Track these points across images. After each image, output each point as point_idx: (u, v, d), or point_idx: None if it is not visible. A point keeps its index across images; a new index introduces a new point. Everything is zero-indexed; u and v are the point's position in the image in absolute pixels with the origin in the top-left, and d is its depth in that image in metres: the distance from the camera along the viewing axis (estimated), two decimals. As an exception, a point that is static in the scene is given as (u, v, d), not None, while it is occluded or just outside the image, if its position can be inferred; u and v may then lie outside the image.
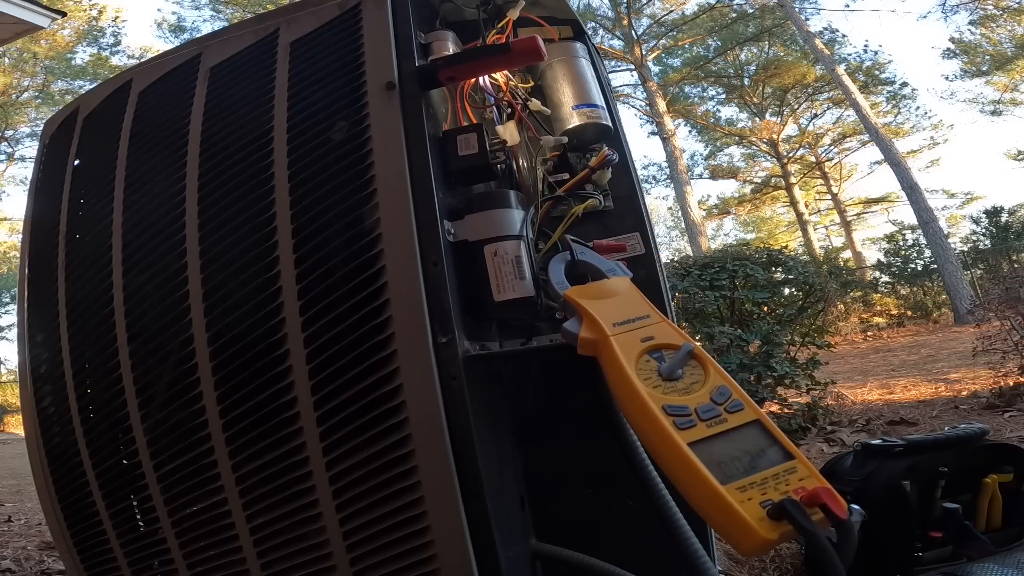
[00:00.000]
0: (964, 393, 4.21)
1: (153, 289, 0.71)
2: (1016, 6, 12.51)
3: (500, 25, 0.85)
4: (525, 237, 0.68)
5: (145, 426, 0.69)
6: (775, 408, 2.88)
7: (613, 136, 0.89)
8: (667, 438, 0.48)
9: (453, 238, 0.66)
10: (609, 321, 0.55)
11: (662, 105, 13.34)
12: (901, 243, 13.24)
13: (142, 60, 1.06)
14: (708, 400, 0.51)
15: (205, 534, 0.67)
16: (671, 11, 14.02)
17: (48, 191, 0.84)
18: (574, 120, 0.86)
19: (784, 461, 0.47)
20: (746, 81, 15.01)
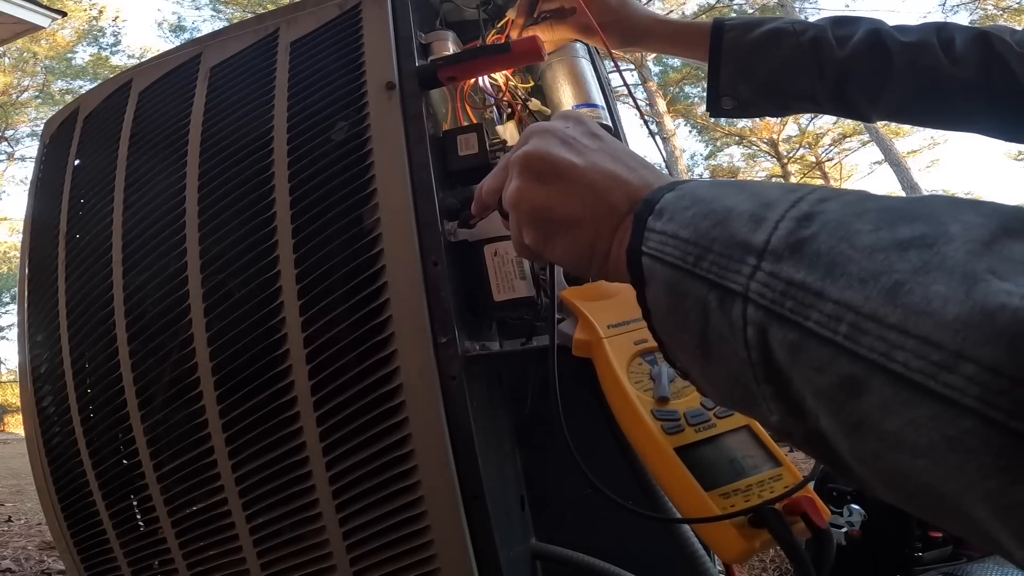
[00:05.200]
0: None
1: (153, 289, 0.71)
2: (1016, 6, 12.52)
3: (500, 25, 0.85)
4: (525, 237, 0.68)
5: (145, 426, 0.69)
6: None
7: (613, 136, 0.89)
8: (654, 442, 0.48)
9: (453, 238, 0.66)
10: (603, 323, 0.55)
11: (662, 105, 13.35)
12: (901, 243, 13.22)
13: (142, 60, 1.06)
14: (698, 405, 0.51)
15: (205, 534, 0.67)
16: (671, 11, 14.03)
17: (48, 191, 0.84)
18: (574, 120, 0.85)
19: (771, 468, 0.47)
20: (746, 81, 15.00)
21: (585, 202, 0.37)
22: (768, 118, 15.43)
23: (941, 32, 0.74)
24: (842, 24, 0.78)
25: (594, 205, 0.36)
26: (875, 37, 0.75)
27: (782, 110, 0.84)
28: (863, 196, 0.25)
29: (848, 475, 0.25)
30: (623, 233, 0.35)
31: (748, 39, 0.79)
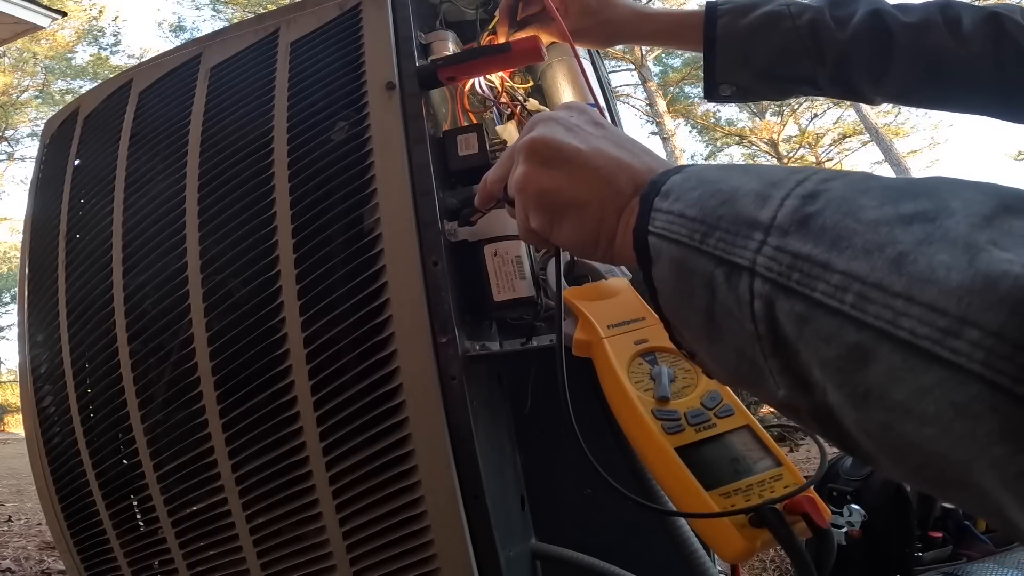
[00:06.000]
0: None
1: (153, 289, 0.71)
2: (1020, 4, 12.51)
3: (491, 26, 0.84)
4: (525, 237, 0.68)
5: (145, 426, 0.69)
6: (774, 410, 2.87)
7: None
8: (654, 443, 0.48)
9: (453, 238, 0.66)
10: (604, 323, 0.55)
11: (662, 105, 13.35)
12: (901, 243, 13.22)
13: (142, 60, 1.06)
14: (698, 405, 0.51)
15: (205, 534, 0.67)
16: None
17: (48, 191, 0.84)
18: (574, 120, 0.85)
19: (771, 468, 0.47)
20: (746, 81, 14.99)
21: (591, 185, 0.38)
22: (769, 118, 15.45)
23: (946, 11, 0.72)
24: (840, 5, 0.75)
25: (600, 188, 0.37)
26: (876, 18, 0.73)
27: (782, 95, 0.82)
28: (866, 176, 0.26)
29: (855, 451, 0.25)
30: (629, 215, 0.36)
31: (743, 24, 0.77)
